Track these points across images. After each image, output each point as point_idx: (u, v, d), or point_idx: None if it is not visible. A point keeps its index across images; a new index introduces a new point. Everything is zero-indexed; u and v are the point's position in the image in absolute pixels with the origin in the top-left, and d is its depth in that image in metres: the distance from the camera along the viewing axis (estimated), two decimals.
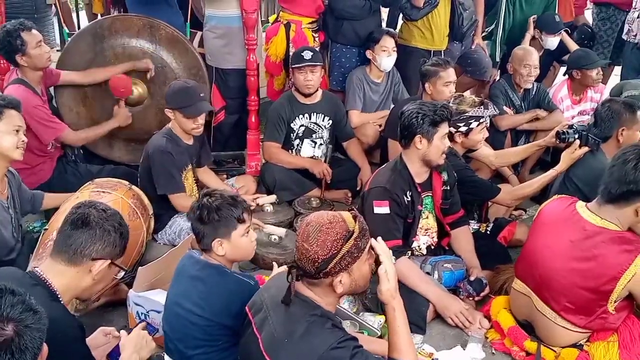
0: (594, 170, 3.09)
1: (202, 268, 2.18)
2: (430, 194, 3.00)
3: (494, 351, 2.68)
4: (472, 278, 2.85)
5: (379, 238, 1.86)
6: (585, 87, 4.57)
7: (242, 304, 2.00)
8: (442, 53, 4.64)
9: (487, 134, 3.31)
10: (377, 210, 2.80)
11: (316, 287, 1.80)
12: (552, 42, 4.90)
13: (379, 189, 2.83)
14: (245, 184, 3.84)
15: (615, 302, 2.29)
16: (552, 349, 2.49)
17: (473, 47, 5.05)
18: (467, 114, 3.18)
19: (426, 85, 3.86)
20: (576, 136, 3.11)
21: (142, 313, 2.64)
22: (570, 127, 3.19)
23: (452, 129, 3.21)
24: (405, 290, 2.75)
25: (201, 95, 3.35)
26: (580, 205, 2.45)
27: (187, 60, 4.04)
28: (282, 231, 3.32)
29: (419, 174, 2.93)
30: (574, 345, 2.45)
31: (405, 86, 4.56)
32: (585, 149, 3.10)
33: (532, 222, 2.62)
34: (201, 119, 3.33)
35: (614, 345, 2.36)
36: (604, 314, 2.32)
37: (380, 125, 4.38)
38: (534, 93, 4.44)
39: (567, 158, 3.12)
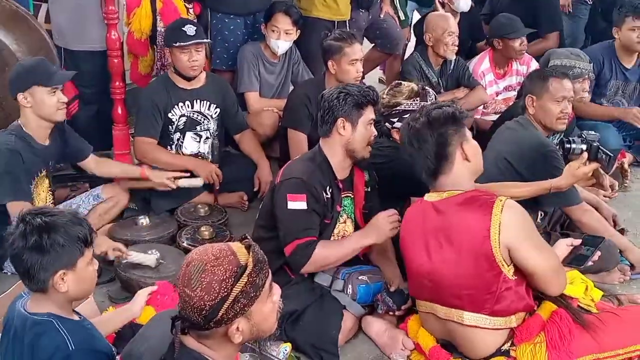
0: (526, 146, 3.22)
1: (25, 327, 1.97)
2: (351, 195, 2.99)
3: None
4: (392, 289, 2.85)
5: None
6: (509, 59, 4.72)
7: None
8: (347, 24, 4.64)
9: None
10: (292, 205, 2.74)
11: (208, 340, 1.70)
12: (464, 3, 5.00)
13: (295, 180, 2.78)
14: (114, 195, 3.64)
15: (507, 265, 2.37)
16: None
17: (381, 16, 5.10)
18: (400, 108, 3.17)
19: (329, 63, 3.84)
20: (583, 147, 2.97)
21: None
22: (579, 135, 3.06)
23: (388, 125, 3.22)
24: (314, 315, 2.77)
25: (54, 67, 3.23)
26: (426, 195, 2.58)
27: (31, 41, 3.80)
28: (152, 260, 3.10)
29: (341, 169, 2.92)
30: (500, 353, 2.49)
31: (308, 65, 4.52)
32: (594, 165, 3.00)
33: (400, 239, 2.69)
34: (65, 96, 3.22)
35: (542, 347, 2.43)
36: (506, 284, 2.38)
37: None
38: (452, 68, 4.54)
39: (569, 174, 2.99)
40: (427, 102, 3.15)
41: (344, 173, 2.93)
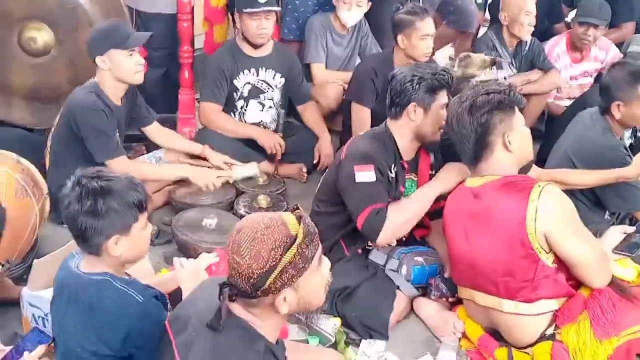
0: (595, 149, 3.09)
1: (80, 287, 1.98)
2: (414, 177, 2.92)
3: None
4: (446, 275, 2.78)
5: None
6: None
7: (127, 327, 1.91)
8: None
9: None
10: (360, 177, 2.66)
11: (255, 308, 1.69)
12: None
13: (361, 153, 2.72)
14: (175, 158, 3.67)
15: (546, 252, 2.31)
16: (525, 352, 2.48)
17: None
18: (476, 79, 3.12)
19: (399, 37, 3.73)
20: None
21: (39, 316, 2.53)
22: None
23: None
24: (366, 293, 2.73)
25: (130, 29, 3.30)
26: (467, 180, 2.55)
27: (104, 1, 3.80)
28: (253, 169, 3.44)
29: (407, 151, 2.85)
30: (545, 338, 2.44)
31: (378, 39, 4.43)
32: None
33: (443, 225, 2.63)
34: (142, 58, 3.27)
35: (586, 324, 2.36)
36: (545, 271, 2.33)
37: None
38: (527, 49, 4.36)
39: (639, 163, 2.92)
40: (503, 69, 3.04)
41: (410, 154, 2.86)
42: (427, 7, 3.94)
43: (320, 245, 1.70)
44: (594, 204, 3.12)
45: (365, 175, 2.66)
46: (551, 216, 2.28)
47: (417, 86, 2.71)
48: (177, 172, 3.34)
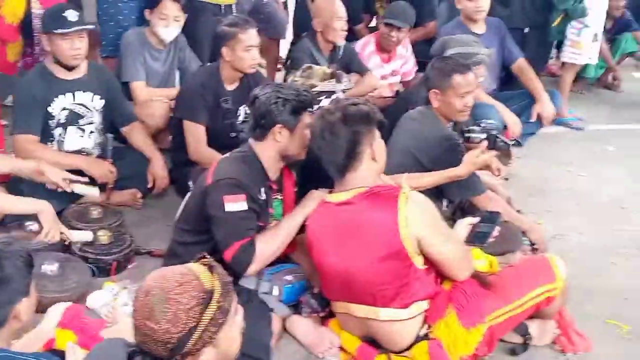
0: (431, 139, 3.25)
1: None
2: (280, 197, 2.86)
3: None
4: (315, 290, 2.76)
5: None
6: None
7: None
8: (233, 7, 4.46)
9: None
10: (230, 207, 2.55)
11: None
12: None
13: (230, 180, 2.59)
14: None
15: (417, 255, 2.40)
16: (404, 356, 2.53)
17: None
18: (316, 89, 3.10)
19: (223, 50, 3.65)
20: (482, 136, 3.05)
21: None
22: (478, 124, 3.13)
23: None
24: (247, 318, 2.61)
25: None
26: (327, 195, 2.58)
27: None
28: (88, 235, 3.14)
29: (273, 171, 2.78)
30: (420, 339, 2.51)
31: (196, 51, 4.31)
32: (493, 153, 3.08)
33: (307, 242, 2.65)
34: None
35: (453, 317, 2.47)
36: (417, 273, 2.42)
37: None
38: (341, 53, 4.48)
39: (469, 162, 3.08)
40: (342, 82, 3.11)
41: (275, 174, 2.81)
42: (249, 18, 3.89)
43: (235, 293, 1.59)
44: (433, 196, 3.27)
45: (235, 205, 2.56)
46: (420, 220, 2.36)
47: (282, 108, 2.66)
48: (36, 206, 2.97)
